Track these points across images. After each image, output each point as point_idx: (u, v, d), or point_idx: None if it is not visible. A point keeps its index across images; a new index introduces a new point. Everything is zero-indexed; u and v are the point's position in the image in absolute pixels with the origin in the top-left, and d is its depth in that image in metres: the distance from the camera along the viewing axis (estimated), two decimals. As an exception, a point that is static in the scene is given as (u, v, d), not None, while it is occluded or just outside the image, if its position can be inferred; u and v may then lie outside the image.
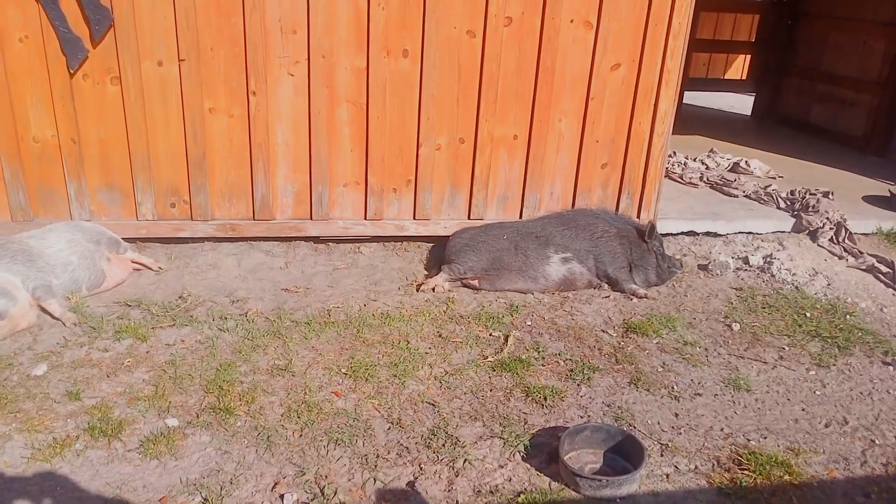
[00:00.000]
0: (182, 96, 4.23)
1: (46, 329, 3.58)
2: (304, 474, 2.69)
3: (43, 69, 4.06)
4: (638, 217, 4.94)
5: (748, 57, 10.93)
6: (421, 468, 2.76)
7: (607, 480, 2.66)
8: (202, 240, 4.60)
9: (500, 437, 2.95)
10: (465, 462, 2.80)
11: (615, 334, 3.89)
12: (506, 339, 3.74)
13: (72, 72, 4.07)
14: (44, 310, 3.65)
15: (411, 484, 2.68)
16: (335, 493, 2.60)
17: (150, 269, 4.30)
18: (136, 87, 4.16)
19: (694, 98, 10.21)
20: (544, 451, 2.89)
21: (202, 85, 4.23)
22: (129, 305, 3.87)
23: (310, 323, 3.77)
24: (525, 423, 3.07)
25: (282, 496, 2.57)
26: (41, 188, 4.30)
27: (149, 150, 4.31)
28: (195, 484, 2.60)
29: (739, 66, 12.06)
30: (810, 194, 5.61)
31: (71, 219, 4.32)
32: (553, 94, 4.57)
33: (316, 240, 4.74)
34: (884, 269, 4.75)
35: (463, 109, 4.54)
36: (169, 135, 4.31)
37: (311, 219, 4.64)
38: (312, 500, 2.57)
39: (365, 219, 4.70)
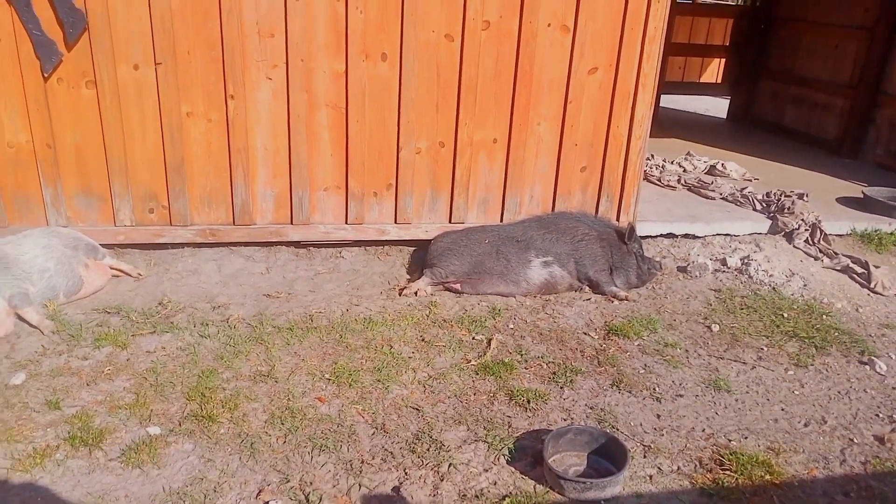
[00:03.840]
0: (159, 100, 4.19)
1: (24, 337, 3.52)
2: (289, 481, 2.68)
3: (16, 73, 4.00)
4: (617, 220, 4.98)
5: (723, 61, 11.08)
6: (406, 473, 2.76)
7: (591, 483, 2.68)
8: (182, 245, 4.56)
9: (485, 441, 2.96)
10: (449, 466, 2.80)
11: (597, 337, 3.92)
12: (489, 343, 3.75)
13: (46, 76, 4.01)
14: (21, 318, 3.58)
15: (396, 489, 2.68)
16: (320, 500, 2.59)
17: (129, 275, 4.24)
18: (111, 91, 4.12)
19: (670, 101, 10.33)
20: (529, 455, 2.90)
21: (179, 89, 4.19)
22: (109, 312, 3.82)
23: (292, 328, 3.75)
24: (509, 427, 3.08)
25: (266, 503, 2.56)
26: (16, 194, 4.23)
27: (126, 155, 4.26)
28: (179, 493, 2.58)
29: (714, 70, 12.22)
30: (786, 196, 5.69)
31: (47, 225, 4.26)
32: (531, 98, 4.60)
33: (297, 245, 4.72)
34: (858, 269, 4.84)
35: (442, 113, 4.54)
36: (146, 139, 4.26)
37: (292, 223, 4.62)
38: (297, 507, 2.56)
39: (346, 223, 4.69)
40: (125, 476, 2.65)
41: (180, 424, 2.95)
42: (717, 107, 10.65)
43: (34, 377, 3.20)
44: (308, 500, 2.58)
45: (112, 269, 4.20)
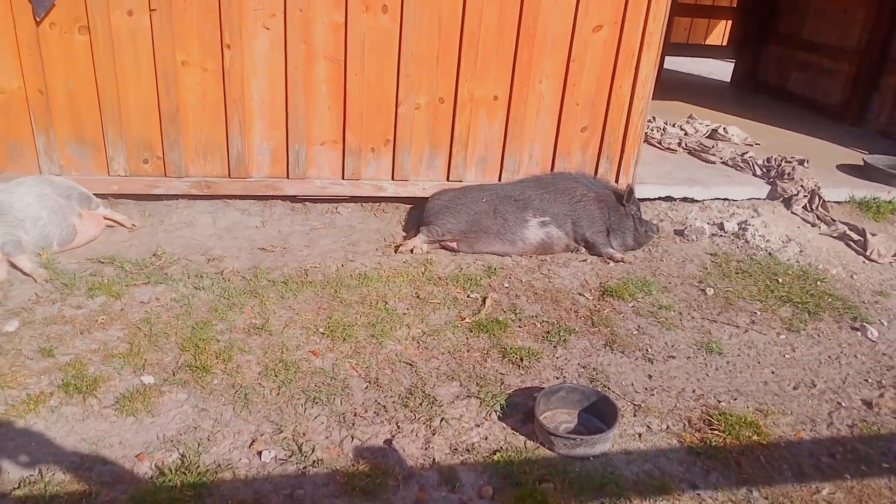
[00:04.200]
0: (153, 48, 4.11)
1: (17, 285, 3.51)
2: (282, 432, 2.70)
3: (8, 18, 3.91)
4: (616, 181, 4.95)
5: (729, 23, 10.92)
6: (398, 427, 2.78)
7: (581, 439, 2.70)
8: (176, 197, 4.52)
9: (477, 397, 2.98)
10: (441, 421, 2.82)
11: (591, 297, 3.93)
12: (483, 301, 3.76)
13: (38, 20, 3.92)
14: (14, 266, 3.57)
15: (389, 442, 2.70)
16: (313, 451, 2.61)
17: (123, 225, 4.22)
18: (105, 37, 4.03)
19: (674, 64, 10.19)
20: (520, 411, 2.93)
21: (174, 36, 4.11)
22: (102, 262, 3.81)
23: (287, 282, 3.75)
24: (501, 384, 3.10)
25: (259, 453, 2.58)
26: (8, 141, 4.18)
27: (119, 102, 4.19)
28: (172, 440, 2.60)
29: (720, 33, 12.05)
30: (786, 162, 5.65)
31: (40, 173, 4.21)
32: (534, 55, 4.52)
33: (293, 199, 4.69)
34: (855, 236, 4.84)
35: (443, 68, 4.47)
36: (140, 87, 4.19)
37: (288, 177, 4.58)
38: (290, 457, 2.58)
39: (343, 178, 4.65)
40: (119, 423, 2.67)
41: (174, 374, 2.96)
42: (722, 70, 10.53)
43: (27, 325, 3.20)
44: (301, 451, 2.61)
45: (106, 219, 4.17)
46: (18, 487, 2.33)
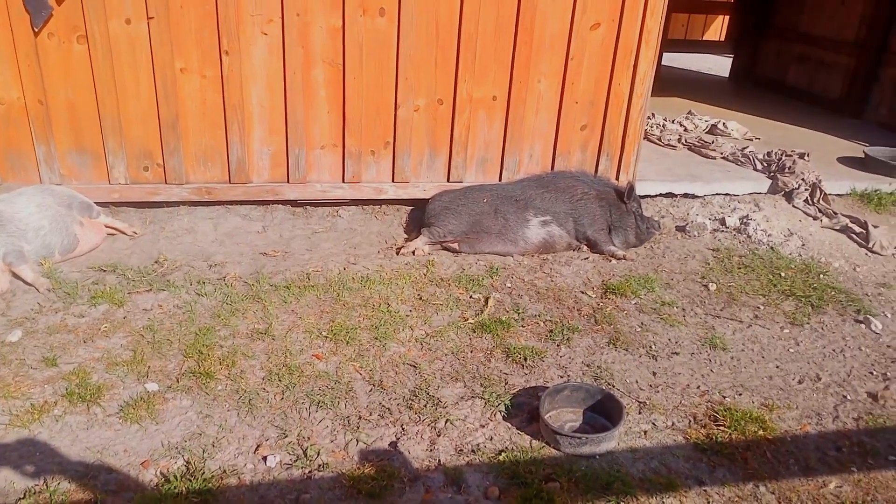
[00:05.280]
0: (152, 56, 4.12)
1: (20, 295, 3.52)
2: (287, 436, 2.70)
3: (6, 28, 3.92)
4: (617, 179, 4.95)
5: (726, 18, 10.90)
6: (403, 429, 2.78)
7: (587, 438, 2.70)
8: (177, 204, 4.53)
9: (481, 398, 2.98)
10: (446, 422, 2.82)
11: (594, 295, 3.92)
12: (486, 301, 3.75)
13: (36, 30, 3.93)
14: (16, 276, 3.58)
15: (394, 444, 2.70)
16: (318, 455, 2.61)
17: (124, 233, 4.23)
18: (103, 46, 4.04)
19: (672, 60, 10.18)
20: (525, 411, 2.92)
21: (173, 44, 4.11)
22: (104, 270, 3.81)
23: (289, 287, 3.75)
24: (505, 384, 3.09)
25: (265, 458, 2.58)
26: (8, 152, 4.19)
27: (119, 111, 4.20)
28: (177, 447, 2.60)
29: (718, 28, 12.03)
30: (786, 156, 5.64)
31: (41, 183, 4.22)
32: (532, 55, 4.52)
33: (294, 203, 4.69)
34: (857, 229, 4.83)
35: (441, 70, 4.47)
36: (139, 96, 4.20)
37: (289, 182, 4.58)
38: (295, 461, 2.58)
39: (343, 182, 4.65)
40: (124, 431, 2.67)
41: (178, 381, 2.96)
42: (720, 65, 10.51)
43: (30, 334, 3.21)
44: (306, 455, 2.61)
45: (107, 227, 4.17)
46: (24, 498, 2.33)
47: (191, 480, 2.43)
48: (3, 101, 4.07)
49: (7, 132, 4.14)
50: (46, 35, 3.98)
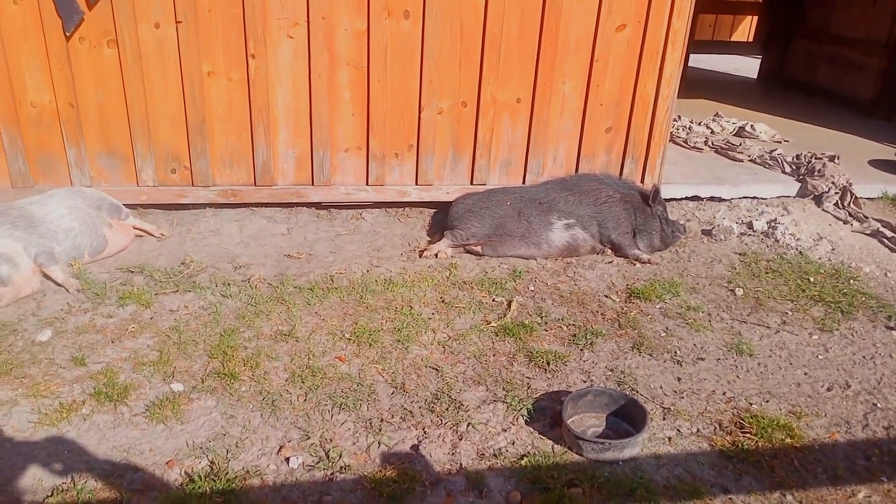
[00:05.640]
0: (180, 59, 4.18)
1: (50, 295, 3.58)
2: (309, 438, 2.71)
3: (38, 33, 3.99)
4: (642, 182, 4.91)
5: (755, 19, 10.78)
6: (425, 432, 2.78)
7: (610, 443, 2.67)
8: (203, 206, 4.58)
9: (504, 402, 2.97)
10: (468, 426, 2.82)
11: (618, 299, 3.89)
12: (509, 305, 3.74)
13: (68, 35, 4.01)
14: (47, 276, 3.64)
15: (415, 447, 2.70)
16: (340, 457, 2.62)
17: (151, 235, 4.28)
18: (133, 50, 4.10)
19: (699, 61, 10.08)
20: (547, 415, 2.91)
21: (200, 47, 4.17)
22: (132, 272, 3.87)
23: (313, 289, 3.77)
24: (528, 388, 3.08)
25: (287, 459, 2.60)
26: (40, 154, 4.27)
27: (148, 114, 4.26)
28: (201, 447, 2.63)
29: (746, 28, 11.89)
30: (816, 158, 5.55)
31: (71, 185, 4.30)
32: (557, 57, 4.50)
33: (318, 206, 4.72)
34: (888, 233, 4.73)
35: (465, 72, 4.47)
36: (167, 99, 4.26)
37: (313, 184, 4.61)
38: (318, 463, 2.59)
39: (367, 184, 4.67)
40: (149, 431, 2.71)
41: (203, 381, 2.99)
42: (748, 66, 10.38)
43: (60, 334, 3.27)
44: (328, 457, 2.62)
45: (135, 228, 4.24)
46: (52, 495, 2.37)
47: (214, 481, 2.45)
48: (35, 105, 4.15)
49: (39, 135, 4.22)
50: (78, 39, 4.05)
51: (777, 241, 4.64)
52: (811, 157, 5.59)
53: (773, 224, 4.76)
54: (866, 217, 4.91)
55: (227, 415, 2.81)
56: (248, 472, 2.53)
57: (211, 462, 2.56)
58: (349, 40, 4.29)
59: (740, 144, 5.99)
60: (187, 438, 2.68)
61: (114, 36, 4.07)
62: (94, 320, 3.40)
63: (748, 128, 6.55)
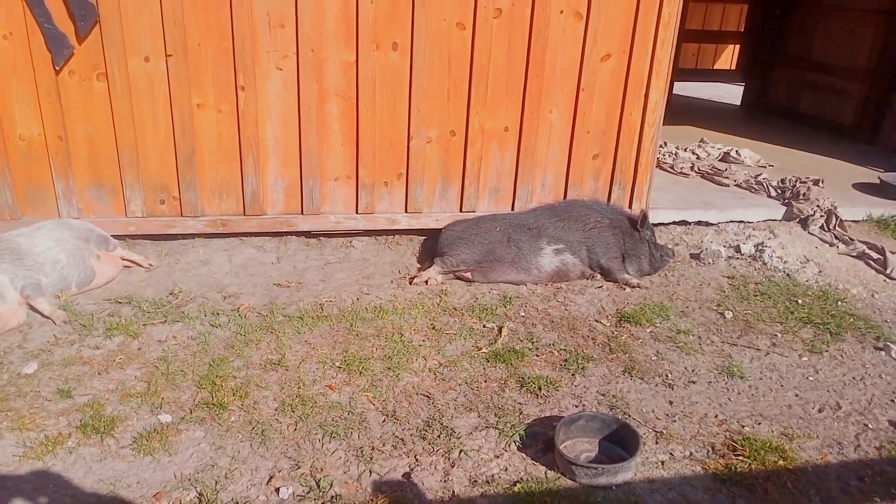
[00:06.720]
0: (170, 92, 4.20)
1: (36, 327, 3.55)
2: (300, 467, 2.68)
3: (28, 66, 4.02)
4: (630, 207, 4.94)
5: (737, 47, 10.97)
6: (417, 460, 2.76)
7: (603, 468, 2.66)
8: (192, 236, 4.57)
9: (496, 428, 2.95)
10: (460, 453, 2.79)
11: (609, 324, 3.89)
12: (499, 331, 3.74)
13: (57, 69, 4.03)
14: (33, 308, 3.61)
15: (407, 475, 2.67)
16: (331, 486, 2.59)
17: (140, 265, 4.27)
18: (122, 83, 4.13)
19: (684, 88, 10.23)
20: (540, 441, 2.89)
21: (190, 80, 4.20)
22: (120, 302, 3.84)
23: (302, 317, 3.76)
24: (520, 414, 3.06)
25: (277, 489, 2.56)
26: (28, 186, 4.27)
27: (137, 146, 4.27)
28: (190, 479, 2.59)
29: (729, 56, 12.10)
30: (801, 182, 5.62)
31: (59, 217, 4.29)
32: (543, 86, 4.56)
33: (307, 234, 4.73)
34: (874, 255, 4.78)
35: (453, 102, 4.52)
36: (157, 131, 4.28)
37: (303, 213, 4.62)
38: (308, 493, 2.56)
39: (356, 213, 4.68)
40: (137, 463, 2.67)
41: (191, 412, 2.96)
42: (731, 94, 10.54)
43: (46, 366, 3.23)
44: (319, 486, 2.59)
45: (123, 259, 4.22)
46: (37, 529, 2.33)
47: (203, 512, 2.42)
48: (23, 138, 4.16)
49: (27, 168, 4.22)
50: (67, 73, 4.07)
51: (765, 263, 4.67)
52: (796, 181, 5.65)
53: (760, 247, 4.80)
54: (852, 239, 4.96)
55: (215, 445, 2.78)
56: (237, 503, 2.49)
57: (199, 494, 2.52)
58: (338, 72, 4.34)
59: (726, 169, 6.06)
60: (175, 470, 2.64)
61: (104, 69, 4.10)
62: (81, 352, 3.37)
63: (733, 153, 6.63)
